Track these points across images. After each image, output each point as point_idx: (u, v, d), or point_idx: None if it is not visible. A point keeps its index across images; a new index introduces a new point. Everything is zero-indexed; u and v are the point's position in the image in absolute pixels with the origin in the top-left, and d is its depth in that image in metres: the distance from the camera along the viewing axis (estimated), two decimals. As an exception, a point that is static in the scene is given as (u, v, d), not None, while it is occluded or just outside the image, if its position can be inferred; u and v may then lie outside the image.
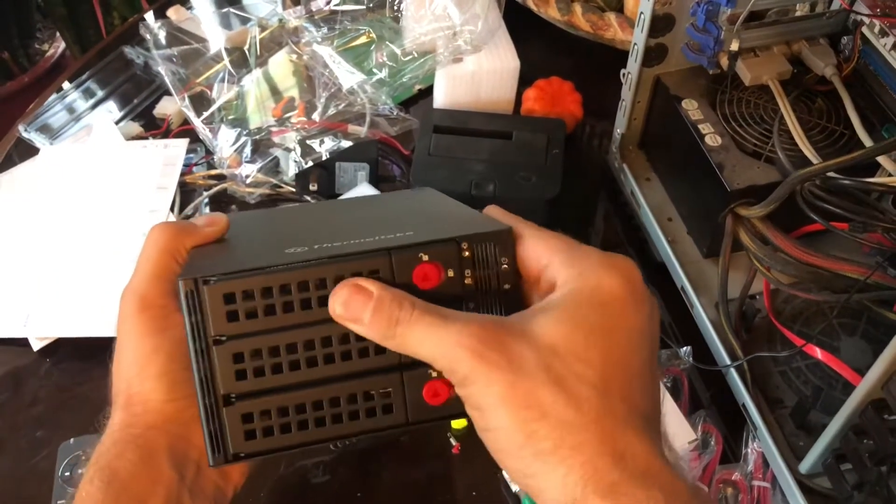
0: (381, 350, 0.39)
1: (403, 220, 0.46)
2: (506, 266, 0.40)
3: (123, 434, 0.43)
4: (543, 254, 0.40)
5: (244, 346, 0.39)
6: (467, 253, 0.40)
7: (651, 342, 0.39)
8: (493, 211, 0.45)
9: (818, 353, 0.66)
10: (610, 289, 0.38)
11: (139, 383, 0.43)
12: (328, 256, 0.39)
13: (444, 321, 0.36)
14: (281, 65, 0.98)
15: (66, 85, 1.02)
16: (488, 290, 0.40)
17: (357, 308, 0.37)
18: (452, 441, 0.69)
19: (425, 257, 0.39)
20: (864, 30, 0.72)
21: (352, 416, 0.40)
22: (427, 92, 0.97)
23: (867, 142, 0.70)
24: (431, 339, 0.36)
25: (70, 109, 0.99)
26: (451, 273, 0.40)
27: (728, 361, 0.70)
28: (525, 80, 0.94)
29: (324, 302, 0.38)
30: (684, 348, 0.73)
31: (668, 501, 0.34)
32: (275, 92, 0.95)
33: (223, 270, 0.39)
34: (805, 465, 0.63)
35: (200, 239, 0.46)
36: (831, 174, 0.66)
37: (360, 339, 0.39)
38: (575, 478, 0.34)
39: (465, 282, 0.40)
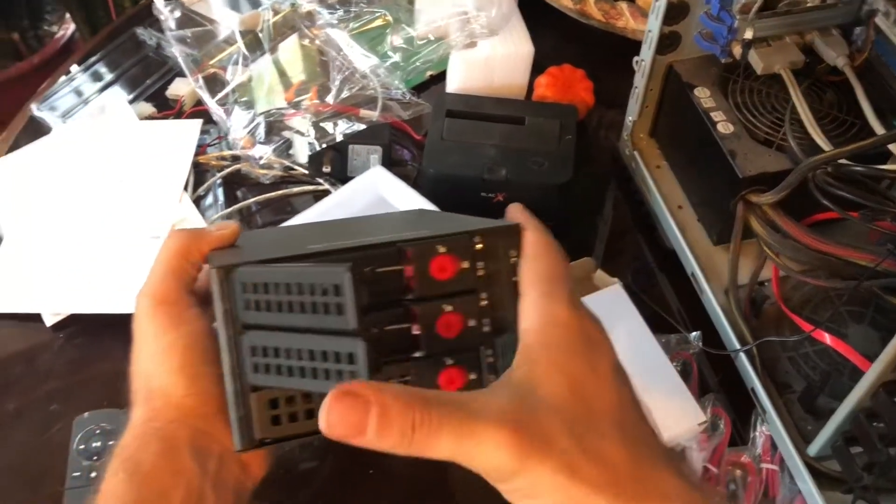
0: (395, 345, 0.39)
1: (415, 224, 0.47)
2: (514, 259, 0.42)
3: (146, 428, 0.43)
4: (526, 281, 0.41)
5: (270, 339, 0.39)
6: (479, 246, 0.41)
7: (625, 377, 0.40)
8: (515, 209, 0.45)
9: (827, 338, 0.67)
10: (577, 332, 0.39)
11: (158, 378, 0.44)
12: (349, 248, 0.39)
13: (469, 422, 0.34)
14: (291, 50, 0.98)
15: (76, 66, 1.02)
16: (498, 281, 0.41)
17: (358, 421, 0.33)
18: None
19: (442, 249, 0.40)
20: (878, 20, 0.72)
21: None
22: (439, 78, 0.98)
23: (879, 130, 0.70)
24: (467, 447, 0.34)
25: (82, 90, 1.00)
26: (465, 265, 0.40)
27: (737, 346, 0.71)
28: (537, 68, 0.94)
29: None
30: (694, 333, 0.74)
31: None
32: (285, 76, 0.96)
33: (253, 259, 0.40)
34: (814, 448, 0.64)
35: (213, 242, 0.47)
36: (843, 161, 0.67)
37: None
38: None
39: (478, 274, 0.41)
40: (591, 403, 0.37)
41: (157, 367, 0.44)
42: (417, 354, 0.40)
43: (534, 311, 0.40)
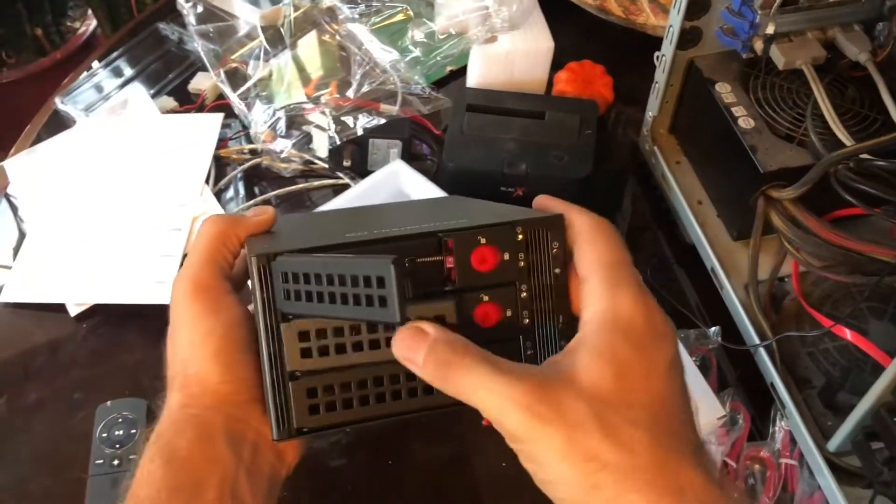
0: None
1: (452, 213, 0.47)
2: (556, 249, 0.41)
3: (182, 414, 0.44)
4: (587, 267, 0.41)
5: (310, 324, 0.40)
6: (521, 237, 0.41)
7: (681, 371, 0.40)
8: (543, 198, 0.45)
9: (847, 334, 0.67)
10: (644, 324, 0.39)
11: (195, 364, 0.44)
12: (390, 238, 0.39)
13: (497, 373, 0.37)
14: (309, 46, 0.99)
15: (97, 62, 1.03)
16: (540, 272, 0.41)
17: (413, 349, 0.38)
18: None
19: (483, 240, 0.40)
20: (901, 15, 0.72)
21: (410, 392, 0.41)
22: (458, 73, 0.98)
23: (902, 125, 0.70)
24: (484, 392, 0.36)
25: (104, 85, 1.00)
26: (506, 256, 0.40)
27: (757, 341, 0.71)
28: (557, 64, 0.94)
29: None
30: (713, 328, 0.74)
31: None
32: (304, 71, 0.96)
33: (292, 248, 0.40)
34: (834, 443, 0.63)
35: (251, 228, 0.47)
36: (865, 157, 0.67)
37: None
38: None
39: (519, 265, 0.41)
40: (632, 393, 0.37)
41: (193, 353, 0.44)
42: None
43: (598, 300, 0.39)
